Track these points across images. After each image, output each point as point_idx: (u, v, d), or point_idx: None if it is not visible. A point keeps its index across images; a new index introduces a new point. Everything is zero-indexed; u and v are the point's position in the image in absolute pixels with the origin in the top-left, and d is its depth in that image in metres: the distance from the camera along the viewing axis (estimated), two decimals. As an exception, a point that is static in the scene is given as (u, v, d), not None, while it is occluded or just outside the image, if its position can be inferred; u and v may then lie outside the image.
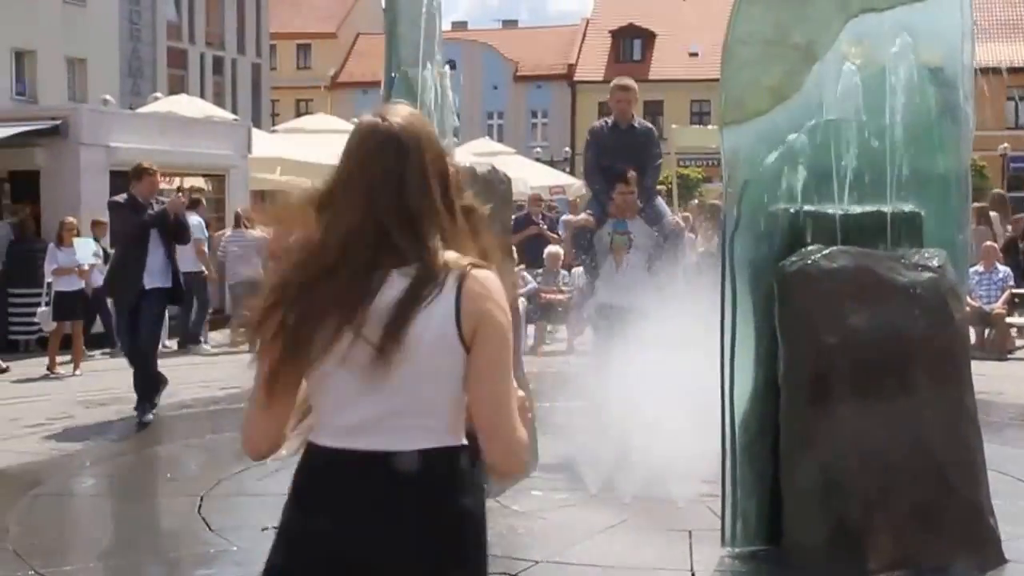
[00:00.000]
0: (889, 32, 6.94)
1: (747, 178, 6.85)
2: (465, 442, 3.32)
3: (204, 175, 24.61)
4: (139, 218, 13.07)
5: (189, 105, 28.81)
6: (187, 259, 18.14)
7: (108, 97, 29.38)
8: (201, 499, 9.29)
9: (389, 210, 3.23)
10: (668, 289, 10.08)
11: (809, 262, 6.58)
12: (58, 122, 20.54)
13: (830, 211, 6.84)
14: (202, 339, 20.37)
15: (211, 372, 17.09)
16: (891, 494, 6.57)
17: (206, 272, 20.34)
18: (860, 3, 6.93)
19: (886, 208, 6.94)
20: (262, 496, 9.39)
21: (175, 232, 13.35)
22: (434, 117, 9.76)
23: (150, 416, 12.89)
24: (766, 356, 6.87)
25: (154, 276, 13.14)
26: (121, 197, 13.59)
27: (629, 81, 11.88)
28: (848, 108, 6.88)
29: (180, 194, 14.05)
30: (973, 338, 19.87)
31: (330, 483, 3.29)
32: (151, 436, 12.42)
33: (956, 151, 7.59)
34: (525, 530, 8.53)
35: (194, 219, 18.65)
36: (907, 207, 7.05)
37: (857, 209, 6.92)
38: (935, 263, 6.74)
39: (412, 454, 3.22)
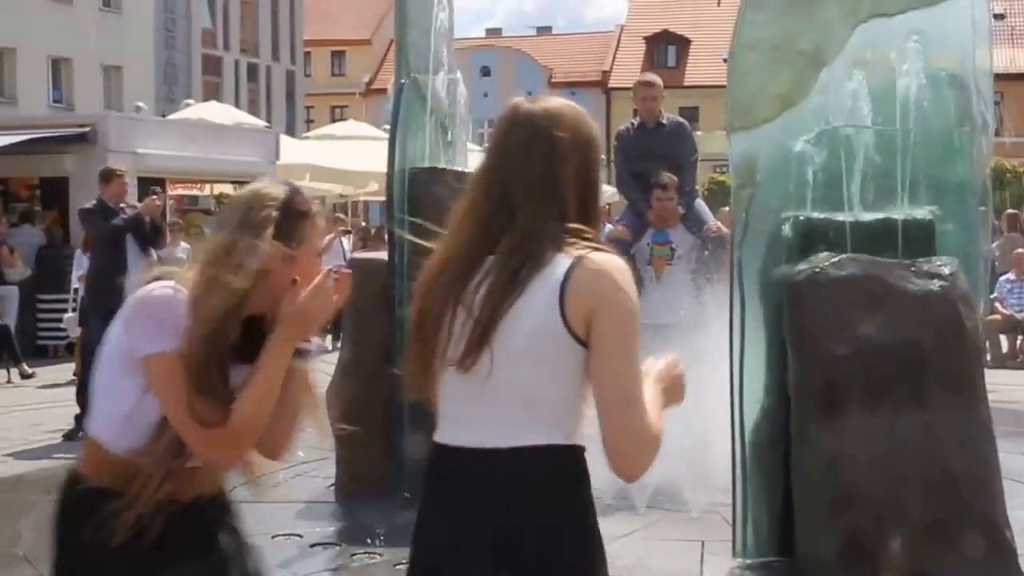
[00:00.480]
0: (899, 37, 6.86)
1: (755, 185, 6.78)
2: (577, 442, 3.18)
3: (232, 182, 24.69)
4: (110, 223, 12.70)
5: (219, 112, 28.91)
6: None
7: (141, 104, 29.49)
8: (213, 507, 9.27)
9: (509, 188, 3.13)
10: (712, 300, 9.60)
11: (818, 270, 6.49)
12: (87, 129, 20.62)
13: (840, 218, 6.76)
14: None
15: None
16: (903, 507, 6.48)
17: None
18: (869, 8, 6.85)
19: (897, 215, 6.84)
20: (274, 503, 9.37)
21: (151, 237, 12.94)
22: (445, 123, 9.74)
23: None
24: (776, 365, 6.80)
25: (135, 284, 12.62)
26: (91, 203, 13.25)
27: (652, 77, 11.27)
28: (857, 114, 6.79)
29: (154, 196, 13.31)
30: (1005, 346, 19.74)
31: (440, 479, 3.22)
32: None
33: (973, 157, 7.50)
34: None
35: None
36: (919, 214, 6.96)
37: (867, 216, 6.83)
38: (947, 271, 6.63)
39: (507, 451, 3.10)
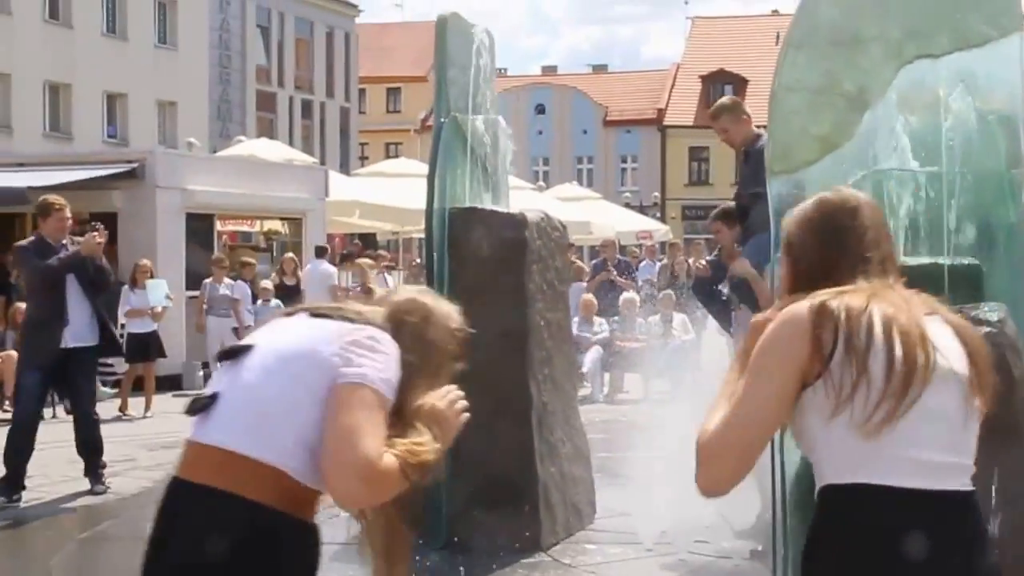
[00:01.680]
0: (946, 78, 6.71)
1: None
2: None
3: (281, 218, 24.76)
4: (45, 263, 11.21)
5: (270, 148, 29.03)
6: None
7: (193, 140, 29.66)
8: (249, 548, 9.19)
9: None
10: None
11: (861, 316, 6.34)
12: (135, 165, 20.71)
13: (884, 263, 6.61)
14: None
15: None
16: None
17: None
18: (914, 49, 6.70)
19: (943, 260, 6.68)
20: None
21: (93, 279, 11.48)
22: (486, 163, 9.65)
23: (103, 487, 11.59)
24: (818, 411, 6.64)
25: (78, 332, 11.38)
26: (27, 240, 11.92)
27: (716, 107, 10.26)
28: (902, 156, 6.65)
29: (96, 232, 11.44)
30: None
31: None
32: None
33: (1022, 201, 7.33)
34: (575, 585, 8.38)
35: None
36: (966, 259, 6.79)
37: (913, 261, 6.67)
38: (995, 318, 6.45)
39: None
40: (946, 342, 3.35)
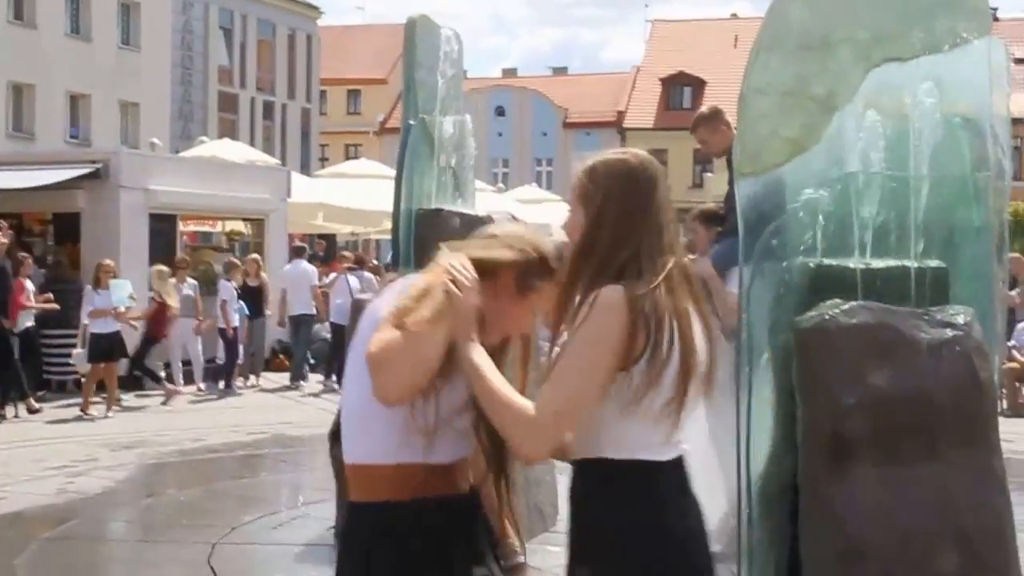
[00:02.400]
0: (913, 81, 6.72)
1: (764, 231, 6.65)
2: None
3: (243, 219, 24.73)
4: None
5: (232, 149, 28.98)
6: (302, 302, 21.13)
7: (156, 140, 29.57)
8: (213, 547, 9.17)
9: None
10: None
11: (827, 318, 6.34)
12: (99, 165, 20.63)
13: (851, 265, 6.62)
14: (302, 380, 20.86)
15: (243, 416, 17.09)
16: (913, 562, 6.31)
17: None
18: (882, 52, 6.71)
19: (910, 263, 6.71)
20: (274, 546, 9.28)
21: None
22: (453, 164, 9.64)
23: None
24: (784, 415, 6.64)
25: None
26: None
27: (696, 117, 10.07)
28: (870, 160, 6.66)
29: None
30: (1023, 395, 19.56)
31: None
32: (172, 480, 12.35)
33: (989, 203, 7.37)
34: (538, 586, 8.35)
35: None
36: (933, 262, 6.82)
37: (879, 264, 6.69)
38: (961, 320, 6.48)
39: None
40: (700, 339, 3.77)
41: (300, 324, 21.96)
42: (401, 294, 3.74)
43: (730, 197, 9.63)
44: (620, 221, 3.69)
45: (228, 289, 20.66)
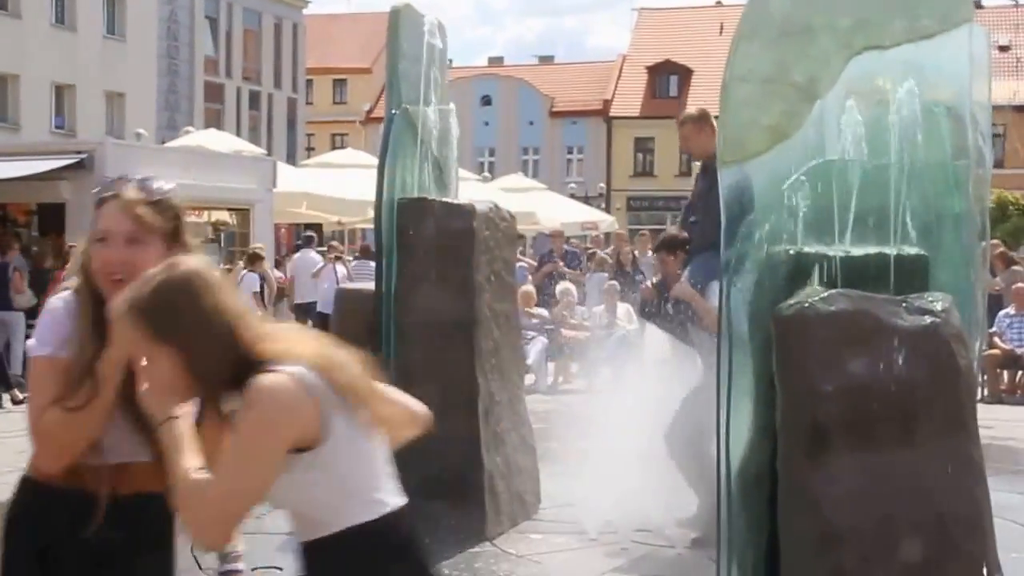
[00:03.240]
0: (894, 69, 6.76)
1: (745, 219, 6.67)
2: None
3: (229, 209, 24.73)
4: None
5: (218, 139, 28.96)
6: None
7: (142, 131, 29.53)
8: (195, 536, 9.17)
9: None
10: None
11: (806, 305, 6.36)
12: (83, 156, 20.59)
13: (830, 253, 6.65)
14: None
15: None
16: (890, 546, 6.35)
17: None
18: (863, 40, 6.73)
19: (889, 250, 6.74)
20: (255, 535, 9.27)
21: None
22: (436, 154, 9.66)
23: None
24: (764, 402, 6.67)
25: None
26: None
27: (684, 114, 10.00)
28: (851, 147, 6.69)
29: None
30: (1005, 382, 19.64)
31: None
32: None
33: (969, 191, 7.40)
34: (519, 573, 8.40)
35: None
36: (911, 249, 6.85)
37: (858, 251, 6.72)
38: (939, 307, 6.51)
39: None
40: None
41: (308, 311, 22.16)
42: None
43: (695, 208, 9.62)
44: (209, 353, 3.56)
45: (254, 281, 20.84)
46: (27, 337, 18.83)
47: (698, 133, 9.71)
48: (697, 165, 10.38)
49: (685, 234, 9.51)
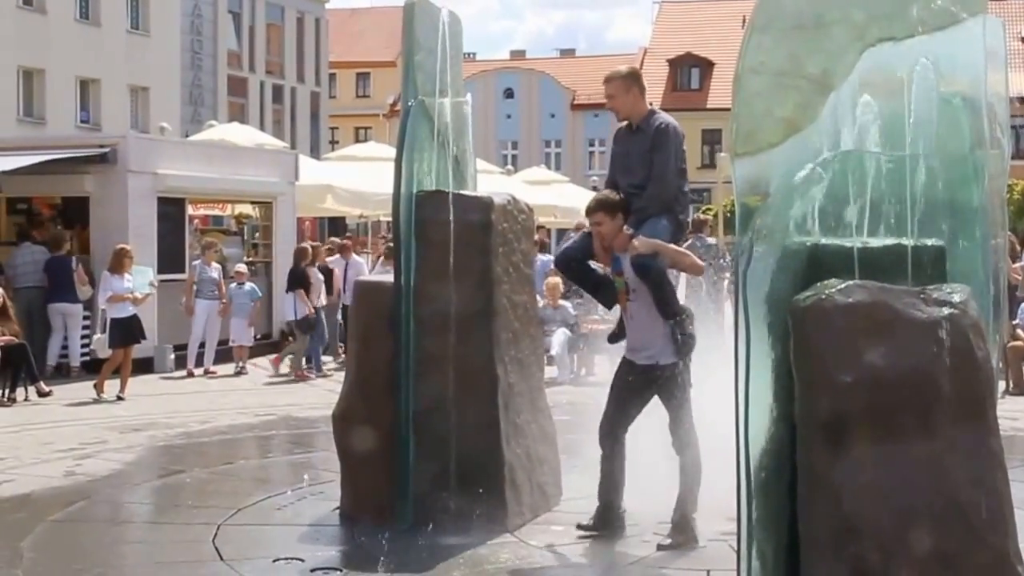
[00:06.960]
0: (909, 61, 6.74)
1: (761, 211, 6.67)
2: None
3: (252, 202, 24.77)
4: None
5: (241, 133, 28.95)
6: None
7: (165, 125, 29.54)
8: (218, 528, 9.22)
9: None
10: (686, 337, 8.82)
11: (824, 296, 6.37)
12: (107, 149, 20.64)
13: (847, 244, 6.64)
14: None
15: (252, 398, 17.19)
16: (911, 539, 6.34)
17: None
18: (877, 32, 6.72)
19: (907, 241, 6.72)
20: (278, 526, 9.32)
21: None
22: (453, 146, 9.66)
23: None
24: (782, 394, 6.67)
25: None
26: None
27: (611, 71, 9.71)
28: (866, 139, 6.68)
29: None
30: (1026, 372, 19.52)
31: None
32: (179, 462, 12.38)
33: (986, 182, 7.38)
34: (540, 565, 8.41)
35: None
36: (929, 240, 6.84)
37: (876, 243, 6.72)
38: (957, 299, 6.50)
39: None
40: None
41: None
42: None
43: (631, 160, 9.37)
44: None
45: (316, 275, 21.05)
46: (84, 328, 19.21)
47: (626, 92, 9.47)
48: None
49: (622, 195, 9.14)
